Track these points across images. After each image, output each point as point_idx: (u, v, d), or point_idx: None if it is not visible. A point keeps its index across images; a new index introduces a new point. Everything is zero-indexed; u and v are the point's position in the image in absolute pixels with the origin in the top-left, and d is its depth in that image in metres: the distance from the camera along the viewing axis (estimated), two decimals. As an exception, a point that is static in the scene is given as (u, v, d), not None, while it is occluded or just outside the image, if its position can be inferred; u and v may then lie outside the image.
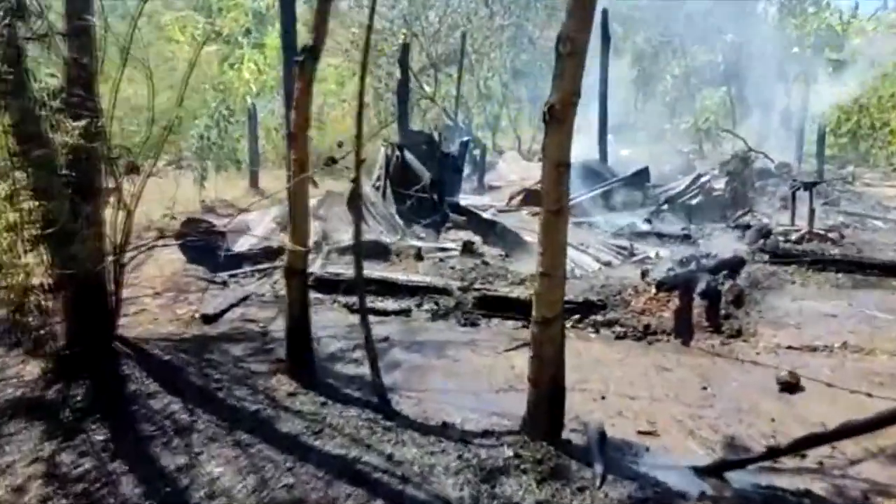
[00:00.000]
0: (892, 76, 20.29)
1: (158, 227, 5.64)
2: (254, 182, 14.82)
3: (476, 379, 5.30)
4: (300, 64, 4.55)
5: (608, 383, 5.15)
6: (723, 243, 9.18)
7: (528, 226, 9.62)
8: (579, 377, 5.20)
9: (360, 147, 4.40)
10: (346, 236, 9.24)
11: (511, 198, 12.08)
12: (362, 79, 4.28)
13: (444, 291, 7.32)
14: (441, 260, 7.86)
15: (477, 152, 16.04)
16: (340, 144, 6.80)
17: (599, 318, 6.61)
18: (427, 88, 20.03)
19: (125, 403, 4.64)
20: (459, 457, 4.03)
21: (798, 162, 16.91)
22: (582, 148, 14.39)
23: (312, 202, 11.21)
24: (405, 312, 7.03)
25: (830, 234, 9.75)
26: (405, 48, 11.73)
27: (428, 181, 9.65)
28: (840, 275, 8.06)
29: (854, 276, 8.00)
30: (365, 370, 5.19)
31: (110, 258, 5.23)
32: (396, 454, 4.08)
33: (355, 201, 4.55)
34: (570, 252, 8.49)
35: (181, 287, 7.62)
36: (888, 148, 18.47)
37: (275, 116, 18.20)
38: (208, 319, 6.51)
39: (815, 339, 6.08)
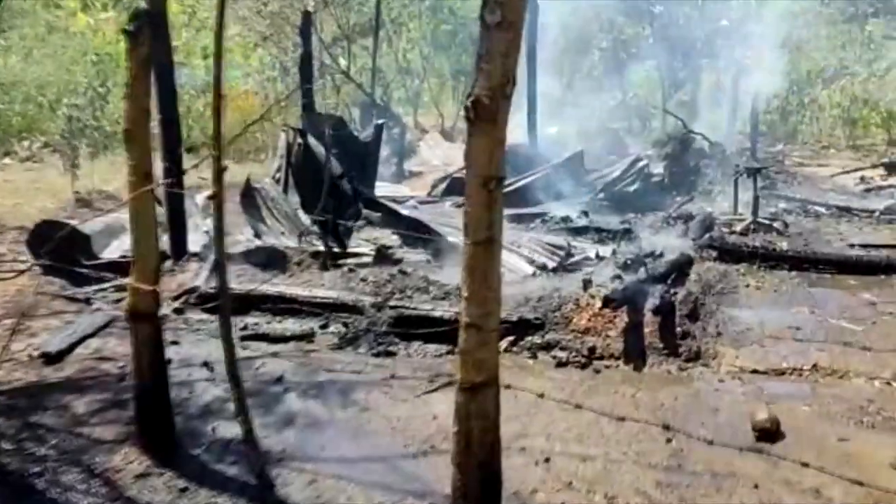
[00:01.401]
0: (805, 51, 20.22)
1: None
2: (143, 168, 13.19)
3: (389, 437, 4.26)
4: (131, 36, 3.31)
5: (553, 438, 4.20)
6: (666, 238, 8.42)
7: (452, 221, 8.59)
8: (517, 429, 4.24)
9: (221, 152, 3.22)
10: (242, 237, 7.98)
11: (434, 186, 11.01)
12: (217, 57, 3.10)
13: (355, 309, 6.23)
14: (351, 270, 6.74)
15: (396, 132, 14.87)
16: (190, 150, 5.54)
17: (537, 339, 5.68)
18: (342, 62, 18.60)
19: None
20: (362, 576, 3.01)
21: (730, 141, 16.45)
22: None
23: (202, 197, 9.85)
24: (307, 337, 5.92)
25: (775, 224, 9.16)
26: (307, 16, 10.40)
27: (337, 173, 8.46)
28: (794, 272, 7.40)
29: (809, 275, 7.35)
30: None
31: None
32: (276, 575, 3.02)
33: (221, 209, 3.36)
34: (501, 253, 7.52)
35: (26, 310, 6.22)
36: (815, 124, 18.36)
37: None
38: (51, 359, 5.20)
39: (782, 360, 5.33)
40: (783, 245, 8.46)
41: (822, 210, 10.45)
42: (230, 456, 3.95)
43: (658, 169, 10.91)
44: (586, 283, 6.16)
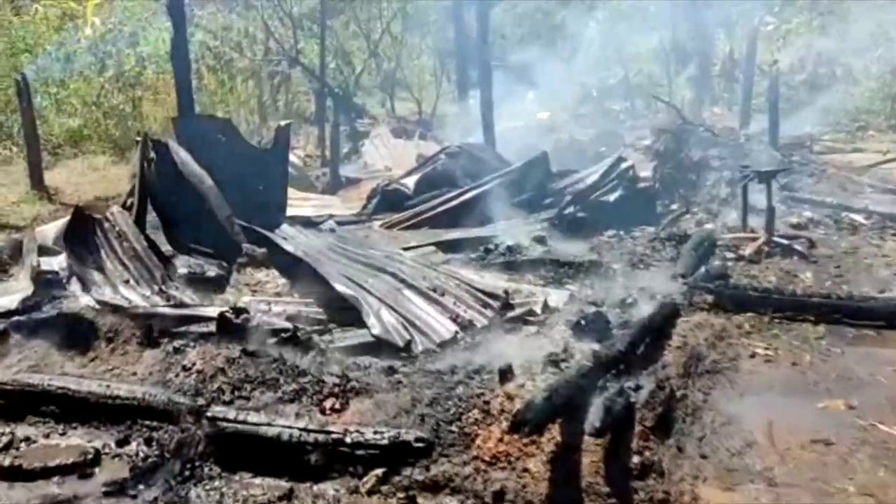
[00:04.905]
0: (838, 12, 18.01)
1: None
2: (37, 179, 11.39)
3: None
4: None
5: None
6: (649, 275, 6.43)
7: (374, 255, 6.69)
8: None
9: None
10: (71, 290, 6.10)
11: (369, 198, 9.06)
12: None
13: (167, 415, 4.39)
14: (177, 350, 4.86)
15: (346, 128, 12.90)
16: None
17: (419, 474, 3.79)
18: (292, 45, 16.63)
19: None
20: None
21: (746, 123, 14.32)
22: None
23: (51, 228, 7.94)
24: (81, 468, 4.07)
25: (797, 245, 7.14)
26: (176, -11, 8.52)
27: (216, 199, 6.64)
28: (821, 325, 5.42)
29: (843, 330, 5.36)
30: None
31: None
32: None
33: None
34: (414, 306, 5.64)
35: None
36: (850, 100, 16.09)
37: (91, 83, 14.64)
38: None
39: (803, 513, 3.39)
40: (807, 276, 6.49)
41: (860, 219, 8.37)
42: None
43: (647, 172, 8.88)
44: (503, 374, 4.23)
